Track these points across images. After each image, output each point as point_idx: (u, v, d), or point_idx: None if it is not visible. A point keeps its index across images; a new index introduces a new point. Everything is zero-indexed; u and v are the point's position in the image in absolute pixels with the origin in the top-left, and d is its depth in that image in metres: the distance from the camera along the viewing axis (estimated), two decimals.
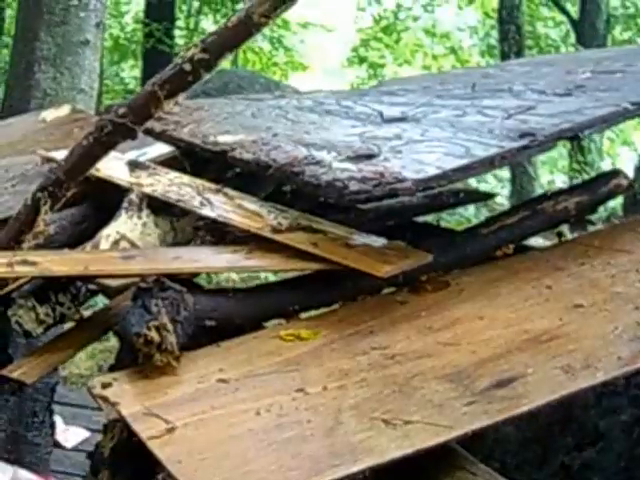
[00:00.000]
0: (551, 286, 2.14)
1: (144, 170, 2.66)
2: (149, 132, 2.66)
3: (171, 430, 1.74)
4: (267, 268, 2.43)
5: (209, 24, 14.52)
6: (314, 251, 2.20)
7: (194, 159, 2.72)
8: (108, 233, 2.43)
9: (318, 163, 2.31)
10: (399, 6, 16.59)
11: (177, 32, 13.76)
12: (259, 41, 14.99)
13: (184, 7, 14.72)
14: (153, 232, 2.48)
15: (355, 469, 1.60)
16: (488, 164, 2.24)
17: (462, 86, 3.02)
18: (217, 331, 2.09)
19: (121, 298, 2.26)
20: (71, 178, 2.32)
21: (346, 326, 2.09)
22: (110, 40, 14.28)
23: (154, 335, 1.93)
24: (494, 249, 2.37)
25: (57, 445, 3.55)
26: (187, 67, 2.15)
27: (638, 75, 2.74)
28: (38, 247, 2.36)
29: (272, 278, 2.48)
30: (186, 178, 2.60)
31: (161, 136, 2.79)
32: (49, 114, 3.76)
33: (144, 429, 1.76)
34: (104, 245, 2.39)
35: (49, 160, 2.92)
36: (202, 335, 2.06)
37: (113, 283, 2.27)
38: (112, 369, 2.10)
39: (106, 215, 2.53)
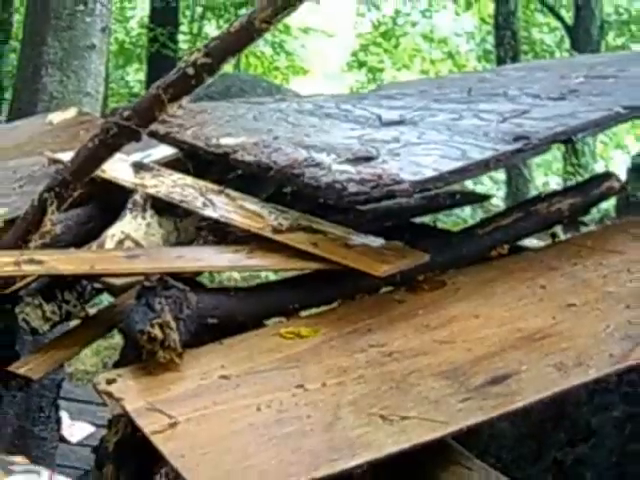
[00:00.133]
0: (545, 286, 2.15)
1: (148, 171, 2.66)
2: (153, 134, 2.66)
3: (174, 425, 1.74)
4: (268, 267, 2.43)
5: (212, 29, 14.52)
6: (314, 251, 2.20)
7: (197, 161, 2.72)
8: (113, 233, 2.43)
9: (318, 165, 2.31)
10: (398, 12, 16.58)
11: (181, 37, 13.76)
12: (261, 46, 14.99)
13: (188, 12, 14.71)
14: (157, 232, 2.48)
15: (353, 463, 1.60)
16: (484, 166, 2.24)
17: (459, 90, 3.02)
18: (219, 329, 2.09)
19: (125, 296, 2.26)
20: (77, 179, 2.32)
21: (345, 324, 2.09)
22: (115, 44, 14.28)
23: (157, 332, 1.93)
24: (489, 249, 2.37)
25: (63, 440, 3.55)
26: (190, 71, 2.15)
27: (630, 80, 2.74)
28: (45, 246, 2.36)
29: (273, 277, 2.48)
30: (189, 179, 2.61)
31: (165, 138, 2.79)
32: (56, 117, 3.76)
33: (148, 424, 1.76)
34: (109, 244, 2.39)
35: (56, 161, 2.91)
36: (204, 332, 2.06)
37: (118, 282, 2.28)
38: (116, 366, 2.10)
39: (111, 215, 2.53)
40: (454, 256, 2.34)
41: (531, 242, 2.54)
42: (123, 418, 1.95)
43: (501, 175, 11.17)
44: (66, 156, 2.71)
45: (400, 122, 2.65)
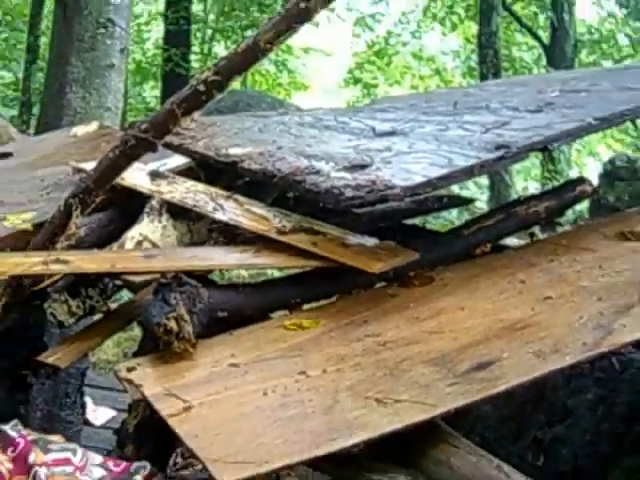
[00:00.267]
0: (524, 280, 2.15)
1: (164, 179, 2.66)
2: (168, 145, 2.66)
3: (188, 409, 1.74)
4: (273, 265, 2.42)
5: (221, 49, 14.48)
6: (314, 250, 2.20)
7: (208, 169, 2.71)
8: (132, 235, 2.43)
9: (318, 172, 2.31)
10: (390, 33, 16.54)
11: (192, 57, 13.71)
12: (265, 64, 14.96)
13: (199, 34, 14.68)
14: (172, 234, 2.48)
15: (351, 442, 1.61)
16: (468, 173, 2.24)
17: (445, 104, 3.02)
18: (228, 321, 2.09)
19: (144, 292, 2.26)
20: (99, 186, 2.31)
21: (343, 316, 2.09)
22: (133, 64, 14.24)
23: (173, 325, 1.93)
24: (474, 248, 2.37)
25: (87, 423, 3.54)
26: (201, 88, 2.15)
27: (601, 94, 2.74)
28: (70, 247, 2.36)
29: (277, 274, 2.47)
30: (201, 186, 2.60)
31: (179, 149, 2.79)
32: (79, 130, 3.76)
33: (164, 408, 1.76)
34: (128, 245, 2.39)
35: (79, 170, 2.91)
36: (215, 325, 2.06)
37: (137, 279, 2.27)
38: (136, 355, 2.11)
39: (130, 219, 2.52)
40: (442, 254, 2.34)
41: (512, 241, 2.54)
42: (142, 403, 1.95)
43: (484, 180, 11.14)
44: (89, 165, 2.71)
45: (392, 133, 2.65)
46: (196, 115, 2.23)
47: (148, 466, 1.74)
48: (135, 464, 1.75)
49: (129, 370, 1.92)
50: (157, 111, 2.32)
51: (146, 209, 2.51)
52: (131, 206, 2.61)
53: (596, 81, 2.93)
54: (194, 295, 2.01)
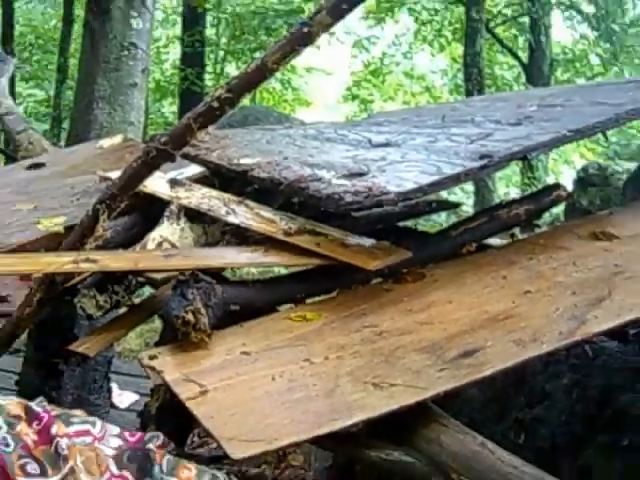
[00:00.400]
0: (506, 276, 2.15)
1: (181, 186, 2.66)
2: (185, 156, 2.66)
3: (204, 392, 1.75)
4: (280, 264, 2.42)
5: (232, 69, 14.47)
6: (317, 250, 2.20)
7: (221, 177, 2.71)
8: (153, 237, 2.43)
9: (320, 180, 2.31)
10: (384, 54, 16.55)
11: (207, 76, 13.70)
12: (272, 83, 14.95)
13: (212, 56, 14.68)
14: (189, 235, 2.48)
15: (351, 422, 1.61)
16: (455, 180, 2.24)
17: (434, 118, 3.01)
18: (240, 314, 2.09)
19: (164, 288, 2.26)
20: (123, 193, 2.31)
21: (343, 309, 2.09)
22: (153, 82, 14.23)
23: (190, 317, 1.93)
24: (461, 247, 2.37)
25: (113, 406, 3.54)
26: (215, 104, 2.14)
27: (575, 108, 2.74)
28: (98, 248, 2.36)
29: (284, 272, 2.47)
30: (215, 192, 2.60)
31: (195, 159, 2.79)
32: (105, 142, 3.75)
33: (183, 392, 1.76)
34: (150, 246, 2.39)
35: (106, 179, 2.91)
36: (228, 317, 2.06)
37: (158, 276, 2.27)
38: (157, 345, 2.10)
39: (152, 222, 2.52)
40: (432, 253, 2.34)
41: (495, 241, 2.54)
42: (163, 387, 1.95)
43: (470, 187, 11.13)
44: (114, 174, 2.71)
45: (387, 144, 2.65)
46: (210, 129, 2.22)
47: (161, 436, 1.74)
48: (149, 434, 1.75)
49: (151, 358, 1.92)
50: (175, 125, 2.32)
51: (166, 213, 2.51)
52: (152, 211, 2.61)
53: (570, 97, 2.93)
54: (209, 290, 2.01)
